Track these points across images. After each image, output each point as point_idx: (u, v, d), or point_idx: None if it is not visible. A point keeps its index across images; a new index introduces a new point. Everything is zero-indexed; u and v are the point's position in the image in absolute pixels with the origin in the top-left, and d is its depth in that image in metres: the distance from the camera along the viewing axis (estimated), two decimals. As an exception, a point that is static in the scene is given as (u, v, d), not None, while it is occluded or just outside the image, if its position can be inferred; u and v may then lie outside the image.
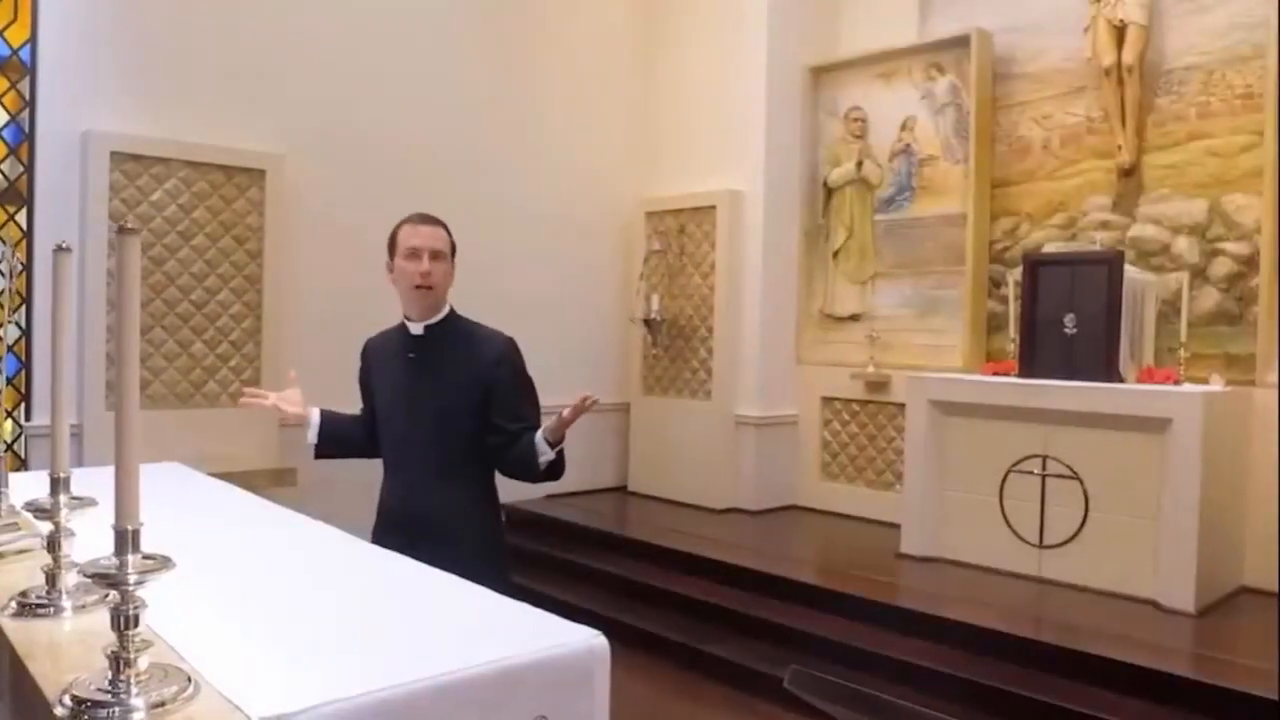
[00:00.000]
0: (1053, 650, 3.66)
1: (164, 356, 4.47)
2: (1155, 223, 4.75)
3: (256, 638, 1.23)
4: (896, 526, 5.10)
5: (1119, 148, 4.84)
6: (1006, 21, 5.30)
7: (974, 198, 5.23)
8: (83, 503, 1.36)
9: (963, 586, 4.34)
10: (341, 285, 4.96)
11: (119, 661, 1.01)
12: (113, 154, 4.27)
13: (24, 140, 4.20)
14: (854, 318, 5.84)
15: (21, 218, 4.19)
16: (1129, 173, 4.84)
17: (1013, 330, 4.91)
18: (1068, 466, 4.27)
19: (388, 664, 1.11)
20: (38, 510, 1.34)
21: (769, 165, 5.83)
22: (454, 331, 2.41)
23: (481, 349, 2.36)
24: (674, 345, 6.17)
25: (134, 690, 1.00)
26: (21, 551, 1.64)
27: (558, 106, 6.10)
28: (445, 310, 2.43)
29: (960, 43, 5.33)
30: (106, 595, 1.35)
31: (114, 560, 1.01)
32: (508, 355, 2.35)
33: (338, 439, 2.54)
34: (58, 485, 1.35)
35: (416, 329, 2.42)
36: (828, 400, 5.88)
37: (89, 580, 1.37)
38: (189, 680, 1.04)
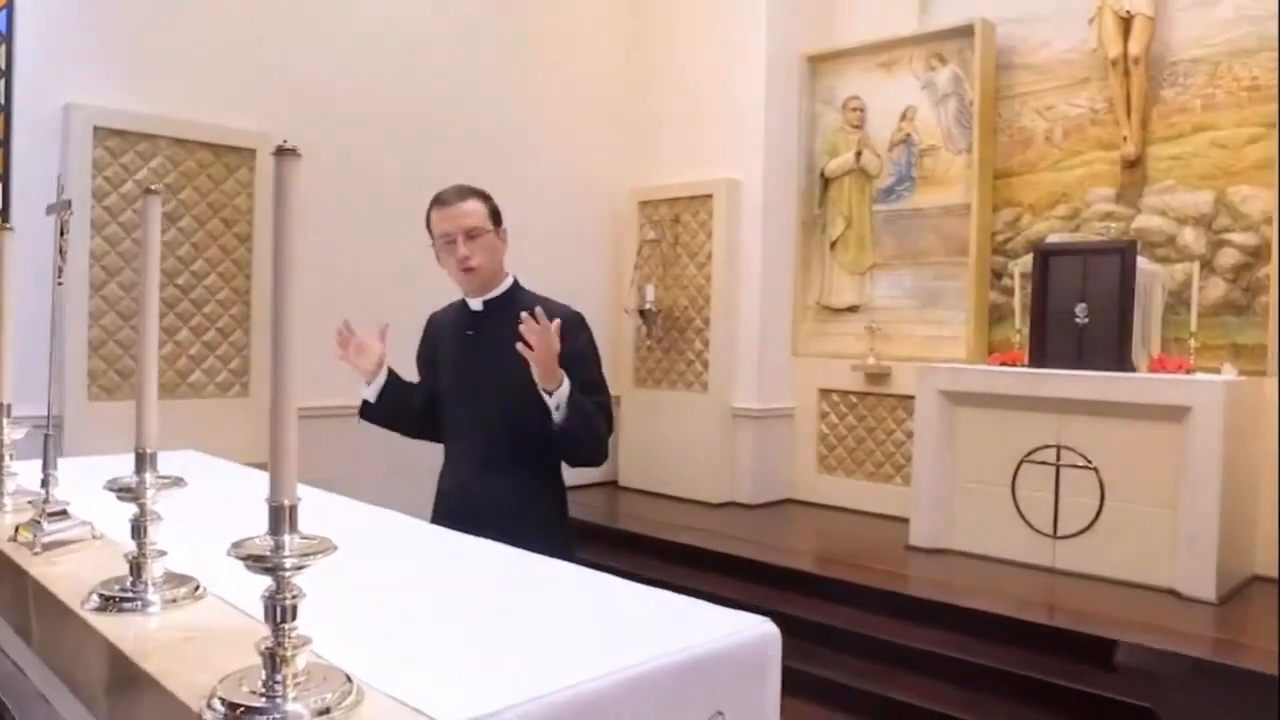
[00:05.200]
0: (1073, 636, 3.63)
1: (149, 344, 4.22)
2: (1160, 214, 4.77)
3: (402, 638, 1.09)
4: (898, 519, 5.08)
5: (1124, 139, 4.84)
6: (1008, 12, 5.28)
7: (978, 189, 5.20)
8: (171, 482, 1.20)
9: (976, 577, 4.31)
10: (335, 271, 4.76)
11: (274, 659, 0.87)
12: (96, 129, 4.02)
13: (0, 113, 3.93)
14: (852, 309, 5.78)
15: (-4, 195, 3.92)
16: (1133, 164, 4.85)
17: (1018, 321, 4.89)
18: (1082, 456, 4.24)
19: (566, 661, 0.98)
20: (122, 490, 1.17)
21: (767, 154, 5.75)
22: (515, 306, 2.23)
23: None
24: (668, 337, 6.05)
25: (291, 693, 0.86)
26: (71, 542, 1.47)
27: (550, 93, 5.94)
28: (507, 283, 2.27)
29: (962, 33, 5.30)
30: (198, 588, 1.20)
31: (269, 540, 0.86)
32: (570, 332, 2.17)
33: (396, 401, 2.33)
34: (143, 462, 1.18)
35: (475, 304, 2.27)
36: (825, 392, 5.81)
37: (174, 573, 1.22)
38: (348, 681, 0.89)
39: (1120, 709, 3.29)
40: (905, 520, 4.93)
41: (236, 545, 0.86)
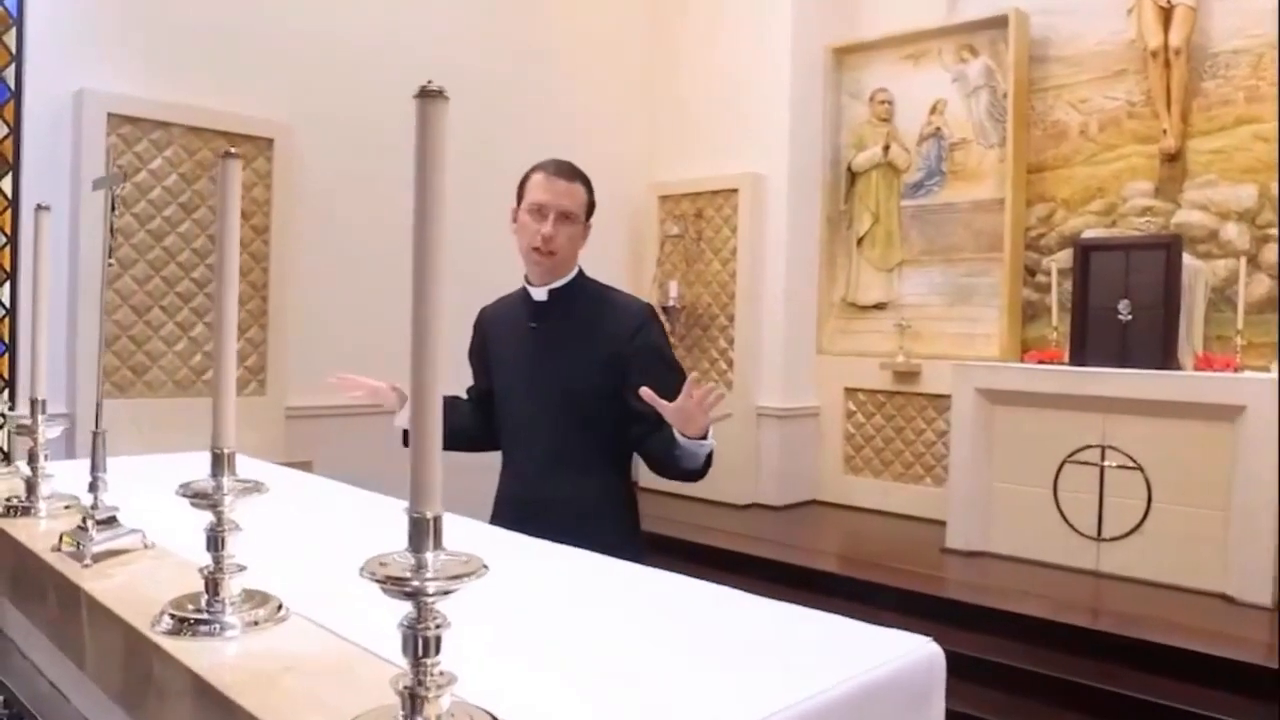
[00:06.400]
0: (1119, 640, 3.53)
1: (163, 340, 4.07)
2: (1202, 209, 4.64)
3: (539, 669, 0.95)
4: (930, 521, 4.99)
5: (1164, 132, 4.72)
6: (1040, 3, 5.15)
7: (1012, 183, 5.08)
8: (251, 487, 1.06)
9: (1016, 580, 4.20)
10: (354, 266, 4.62)
11: (414, 700, 0.73)
12: (109, 115, 3.87)
13: (10, 98, 3.77)
14: (879, 306, 5.65)
15: (6, 184, 3.76)
16: (1173, 158, 4.73)
17: (1055, 318, 4.77)
18: (1129, 456, 4.12)
19: (733, 695, 0.85)
20: (197, 495, 1.03)
21: (792, 148, 5.62)
22: (583, 297, 2.10)
23: (615, 319, 2.05)
24: (690, 334, 5.91)
25: (435, 739, 0.72)
26: (122, 552, 1.33)
27: (569, 86, 5.79)
28: (573, 272, 2.13)
29: (994, 24, 5.18)
30: (280, 608, 1.06)
31: (409, 559, 0.72)
32: (646, 326, 2.04)
33: None
34: (220, 463, 1.04)
35: (539, 294, 2.11)
36: (851, 391, 5.68)
37: (252, 590, 1.08)
38: (496, 723, 0.76)
39: (1167, 714, 3.17)
40: (937, 522, 4.83)
41: (372, 564, 0.72)
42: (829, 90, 5.78)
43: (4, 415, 3.64)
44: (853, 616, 1.16)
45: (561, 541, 1.60)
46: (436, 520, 0.73)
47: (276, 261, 4.39)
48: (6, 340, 3.78)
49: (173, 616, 1.02)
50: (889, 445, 5.54)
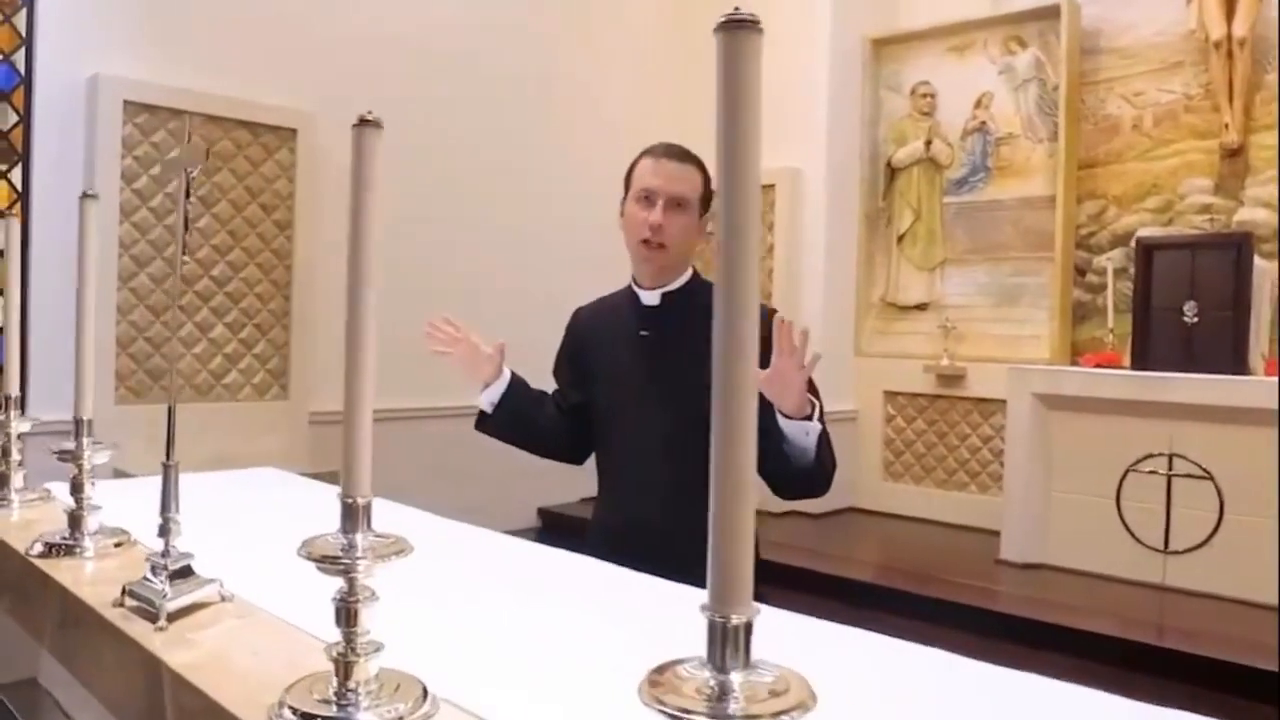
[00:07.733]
0: (1187, 659, 3.33)
1: (181, 342, 3.84)
2: (1266, 206, 4.45)
3: None
4: (976, 530, 4.82)
5: (1225, 126, 4.52)
6: (1090, -8, 4.95)
7: (1063, 180, 4.87)
8: (393, 546, 0.84)
9: (1076, 594, 4.01)
10: (384, 265, 4.39)
11: None
12: (125, 103, 3.64)
13: (20, 84, 3.54)
14: (920, 307, 5.45)
15: (16, 176, 3.53)
16: (1234, 153, 4.53)
17: (1110, 319, 4.57)
18: (1198, 465, 3.93)
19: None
20: (325, 559, 0.81)
21: (830, 143, 5.40)
22: (700, 301, 1.88)
23: None
24: (721, 335, 5.69)
25: None
26: (199, 607, 1.11)
27: (596, 78, 5.57)
28: (687, 274, 1.91)
29: (1043, 14, 4.97)
30: (425, 696, 0.84)
31: (708, 678, 0.51)
32: (771, 335, 1.82)
33: (517, 413, 1.93)
34: (354, 516, 0.82)
35: (650, 298, 1.88)
36: (891, 395, 5.48)
37: (389, 670, 0.86)
38: None
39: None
40: (983, 531, 4.66)
41: (664, 687, 0.51)
42: (868, 83, 5.57)
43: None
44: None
45: (674, 577, 1.41)
46: (747, 629, 0.51)
47: (301, 259, 4.16)
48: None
49: (294, 710, 0.81)
50: (931, 451, 5.33)
